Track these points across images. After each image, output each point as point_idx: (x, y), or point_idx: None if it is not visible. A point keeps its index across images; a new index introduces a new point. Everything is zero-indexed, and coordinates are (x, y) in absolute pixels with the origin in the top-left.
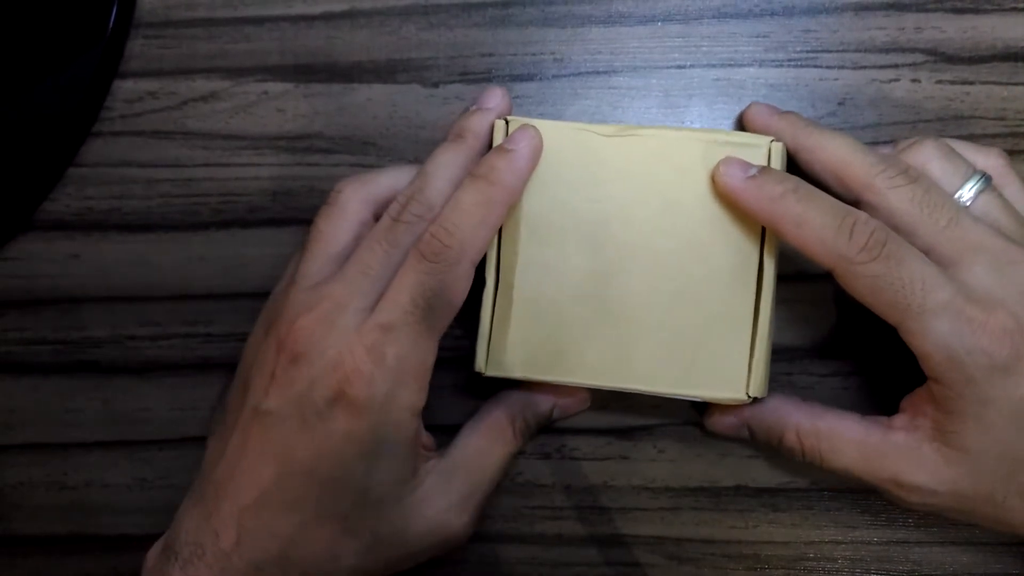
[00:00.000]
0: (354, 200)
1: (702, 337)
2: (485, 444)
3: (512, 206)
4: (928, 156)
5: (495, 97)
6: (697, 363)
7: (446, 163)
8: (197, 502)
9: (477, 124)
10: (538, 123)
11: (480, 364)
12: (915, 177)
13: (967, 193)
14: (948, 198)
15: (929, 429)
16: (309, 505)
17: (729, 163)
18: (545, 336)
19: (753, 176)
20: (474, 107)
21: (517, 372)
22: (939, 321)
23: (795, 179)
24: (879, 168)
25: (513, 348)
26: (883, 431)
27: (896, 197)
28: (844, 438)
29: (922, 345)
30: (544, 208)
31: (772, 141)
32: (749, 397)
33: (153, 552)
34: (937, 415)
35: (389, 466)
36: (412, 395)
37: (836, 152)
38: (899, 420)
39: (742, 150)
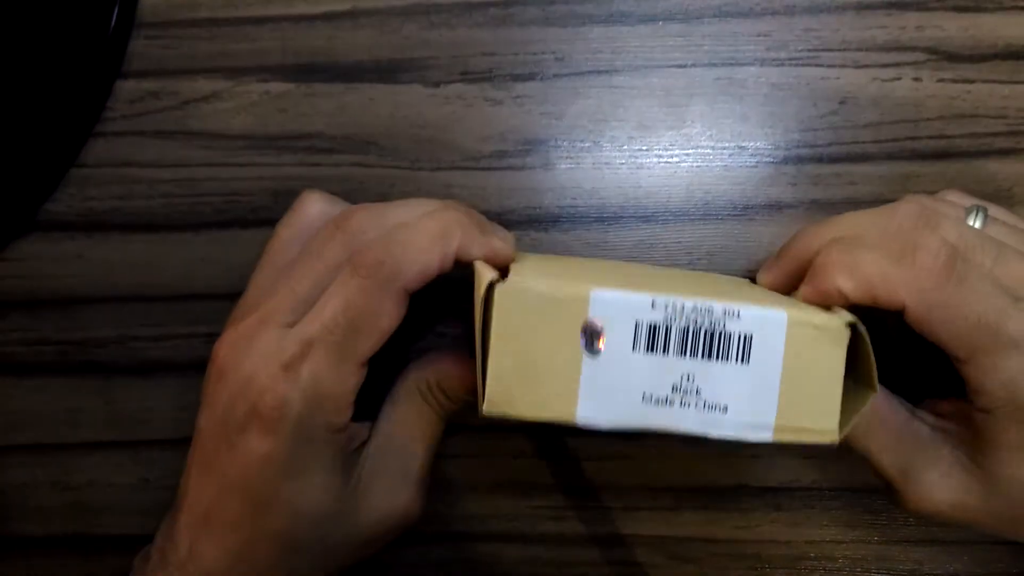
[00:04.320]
0: (316, 207)
1: (758, 292)
2: (410, 416)
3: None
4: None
5: (508, 241)
6: (766, 297)
7: (421, 205)
8: (170, 511)
9: (483, 219)
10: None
11: (490, 276)
12: (937, 220)
13: (974, 225)
14: (982, 236)
15: (956, 439)
16: (247, 523)
17: (762, 272)
18: (579, 272)
19: (777, 258)
20: (497, 228)
21: (550, 282)
22: (1009, 359)
23: (829, 240)
24: (895, 224)
25: (540, 272)
26: (908, 416)
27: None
28: (870, 409)
29: (985, 382)
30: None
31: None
32: (847, 326)
33: (141, 552)
34: (972, 437)
35: (319, 480)
36: (329, 415)
37: (848, 233)
38: (924, 415)
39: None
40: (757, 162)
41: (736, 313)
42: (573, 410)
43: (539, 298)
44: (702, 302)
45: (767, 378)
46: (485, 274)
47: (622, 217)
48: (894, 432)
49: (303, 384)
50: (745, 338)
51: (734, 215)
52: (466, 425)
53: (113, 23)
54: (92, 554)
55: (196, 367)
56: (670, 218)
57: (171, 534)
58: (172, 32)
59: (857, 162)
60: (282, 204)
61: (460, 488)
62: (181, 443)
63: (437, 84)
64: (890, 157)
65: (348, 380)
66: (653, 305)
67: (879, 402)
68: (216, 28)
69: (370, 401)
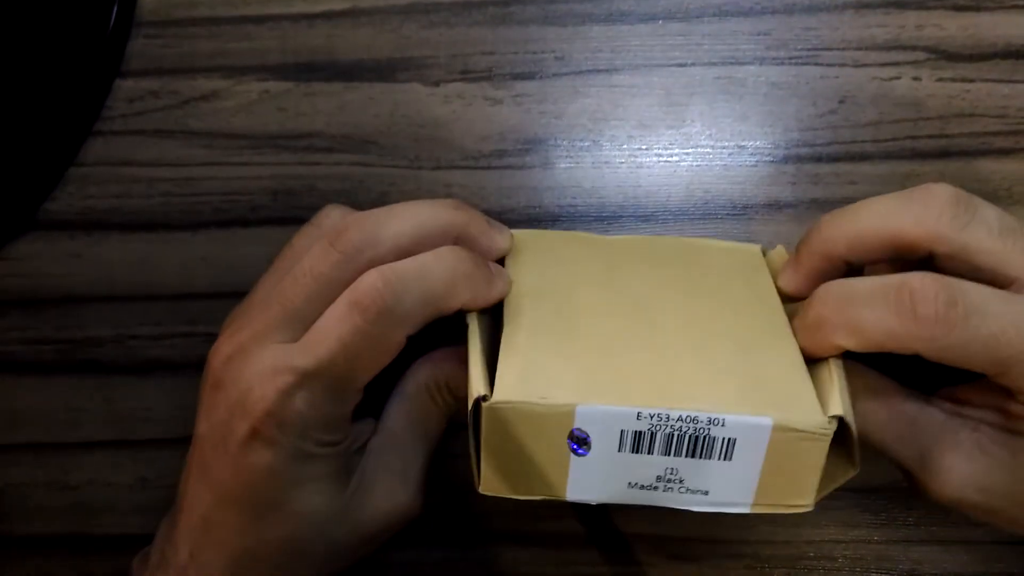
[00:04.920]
0: (334, 223)
1: (753, 361)
2: (414, 414)
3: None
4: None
5: (506, 240)
6: (757, 386)
7: (425, 214)
8: (171, 511)
9: (479, 223)
10: (526, 232)
11: (480, 388)
12: (974, 206)
13: None
14: (1019, 220)
15: (974, 423)
16: (249, 530)
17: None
18: (568, 364)
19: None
20: (500, 226)
21: (539, 394)
22: None
23: (820, 289)
24: (934, 214)
25: (529, 374)
26: (921, 404)
27: (972, 236)
28: (879, 399)
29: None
30: (546, 283)
31: (763, 247)
32: (829, 418)
33: (140, 553)
34: (1003, 420)
35: (320, 488)
36: (326, 434)
37: (878, 226)
38: (939, 403)
39: (732, 255)
40: (757, 161)
41: (721, 422)
42: (563, 493)
43: (526, 414)
44: (687, 413)
45: (748, 470)
46: (474, 384)
47: (622, 216)
48: (908, 420)
49: (299, 408)
50: (729, 441)
51: (733, 214)
52: (467, 425)
53: (112, 22)
54: (91, 553)
55: (195, 366)
56: (670, 217)
57: (171, 536)
58: (171, 31)
59: (857, 161)
60: (281, 203)
61: (461, 488)
62: (180, 442)
63: (437, 83)
64: (889, 156)
65: (343, 407)
66: (638, 416)
67: (890, 395)
68: (215, 27)
69: (373, 395)
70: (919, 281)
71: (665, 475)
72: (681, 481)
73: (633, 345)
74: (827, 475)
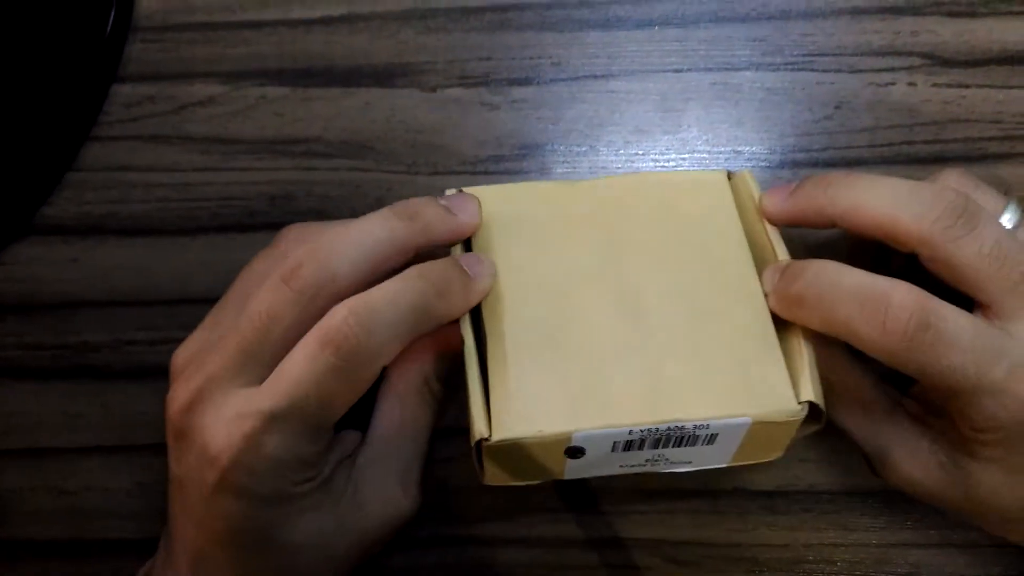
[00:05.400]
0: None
1: (732, 354)
2: (402, 417)
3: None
4: (961, 188)
5: (469, 210)
6: (737, 382)
7: (377, 238)
8: (165, 537)
9: (436, 220)
10: (492, 188)
11: (481, 430)
12: (975, 221)
13: (1006, 223)
14: (1018, 248)
15: (936, 432)
16: (243, 564)
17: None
18: (557, 383)
19: (774, 288)
20: (443, 201)
21: (536, 427)
22: (990, 400)
23: (812, 267)
24: (932, 216)
25: (522, 404)
26: (891, 406)
27: (958, 250)
28: (854, 391)
29: (967, 413)
30: (524, 262)
31: (730, 174)
32: (800, 404)
33: (141, 570)
34: (953, 438)
35: (305, 519)
36: (298, 473)
37: (877, 207)
38: (909, 404)
39: (698, 188)
40: (753, 166)
41: (705, 426)
42: (560, 476)
43: (525, 445)
44: (675, 424)
45: (727, 449)
46: (476, 425)
47: None
48: (876, 420)
49: (267, 454)
50: (711, 435)
51: None
52: (464, 428)
53: (110, 27)
54: (88, 558)
55: None
56: None
57: (171, 561)
58: (169, 36)
59: (852, 166)
60: (279, 208)
61: (457, 491)
62: None
63: (434, 89)
64: (885, 161)
65: (317, 444)
66: (630, 433)
67: (864, 389)
68: (213, 32)
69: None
70: (900, 296)
71: (653, 458)
72: (667, 460)
73: (619, 350)
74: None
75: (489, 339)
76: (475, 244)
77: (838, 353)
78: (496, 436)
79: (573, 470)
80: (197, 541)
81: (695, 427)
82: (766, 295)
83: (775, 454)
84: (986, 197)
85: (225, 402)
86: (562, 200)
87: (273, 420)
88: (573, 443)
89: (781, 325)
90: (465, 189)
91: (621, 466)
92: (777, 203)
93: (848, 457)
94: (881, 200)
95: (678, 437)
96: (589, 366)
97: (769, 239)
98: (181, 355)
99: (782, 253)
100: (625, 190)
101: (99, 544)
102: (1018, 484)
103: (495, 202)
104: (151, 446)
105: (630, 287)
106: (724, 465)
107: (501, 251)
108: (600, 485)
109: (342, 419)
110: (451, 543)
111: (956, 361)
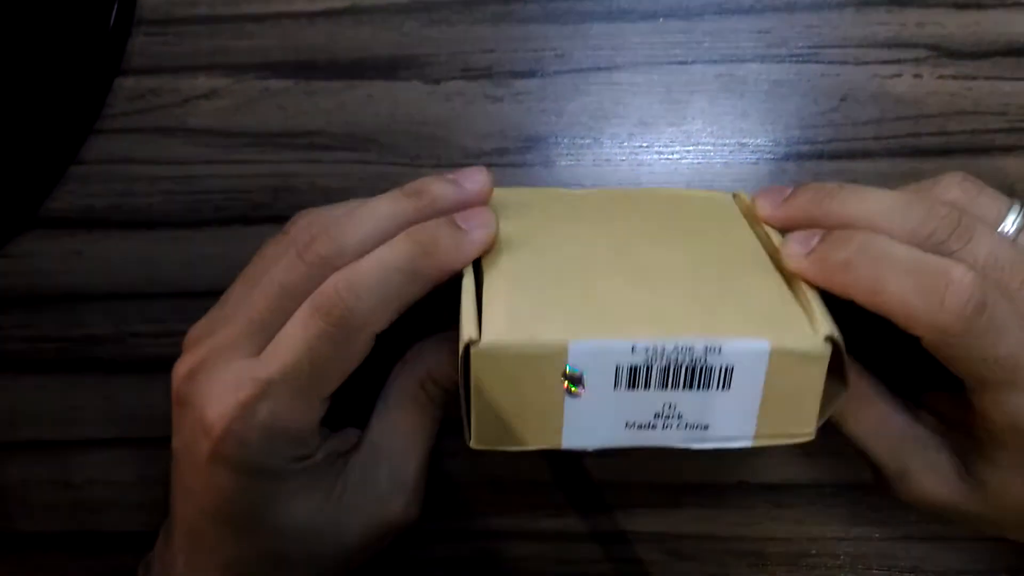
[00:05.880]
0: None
1: (738, 288)
2: (402, 420)
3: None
4: (961, 193)
5: (477, 179)
6: (748, 310)
7: (385, 215)
8: (166, 522)
9: (441, 192)
10: (501, 189)
11: (471, 332)
12: (969, 235)
13: (1010, 227)
14: (1015, 256)
15: (954, 443)
16: (231, 544)
17: (788, 242)
18: (555, 301)
19: (813, 250)
20: (451, 175)
21: (529, 333)
22: (1018, 396)
23: (861, 236)
24: (925, 232)
25: (517, 314)
26: (909, 419)
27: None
28: (871, 406)
29: (990, 412)
30: (530, 228)
31: (735, 194)
32: (827, 341)
33: (143, 561)
34: (971, 445)
35: (294, 502)
36: (292, 448)
37: (870, 223)
38: (925, 416)
39: (707, 202)
40: (758, 159)
41: (718, 349)
42: (559, 439)
43: (517, 355)
44: (683, 341)
45: (748, 399)
46: (465, 328)
47: None
48: (895, 434)
49: (260, 422)
50: (726, 369)
51: None
52: (459, 391)
53: (113, 20)
54: (92, 551)
55: None
56: None
57: (169, 545)
58: (172, 29)
59: (858, 159)
60: (282, 201)
61: (461, 486)
62: None
63: (437, 81)
64: (891, 154)
65: (310, 415)
66: (633, 350)
67: (880, 403)
68: (216, 25)
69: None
70: (960, 273)
71: (663, 411)
72: (680, 416)
73: (619, 280)
74: (824, 399)
75: (486, 275)
76: None
77: (856, 366)
78: (486, 338)
79: (573, 428)
80: (190, 515)
81: (706, 350)
82: (781, 274)
83: (807, 426)
84: (990, 201)
85: (227, 369)
86: (568, 198)
87: (268, 386)
88: (570, 359)
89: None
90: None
91: (628, 424)
92: (770, 208)
93: (851, 451)
94: (875, 214)
95: (689, 370)
96: (590, 292)
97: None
98: (194, 331)
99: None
100: (632, 196)
101: (103, 536)
102: None
103: (504, 195)
104: (155, 439)
105: (635, 247)
106: (749, 438)
107: (502, 224)
108: (604, 479)
109: (343, 418)
110: (458, 536)
111: (1003, 351)
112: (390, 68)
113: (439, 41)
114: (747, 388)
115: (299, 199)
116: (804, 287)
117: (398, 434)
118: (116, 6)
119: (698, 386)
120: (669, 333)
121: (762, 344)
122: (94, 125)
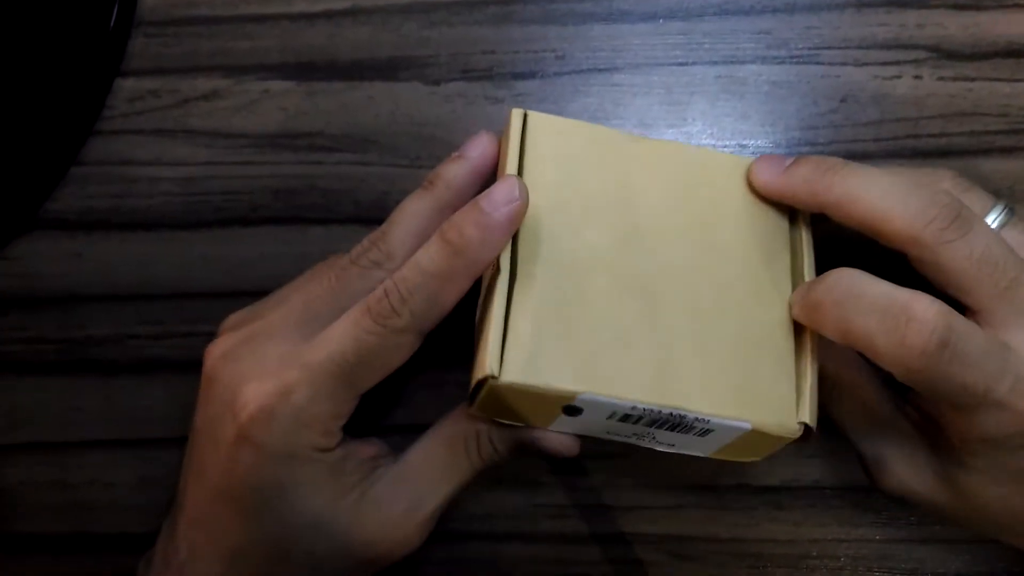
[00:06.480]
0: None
1: (746, 356)
2: (442, 457)
3: (499, 254)
4: (952, 187)
5: (479, 145)
6: (744, 385)
7: (412, 212)
8: (171, 511)
9: (451, 173)
10: (558, 120)
11: (492, 367)
12: (968, 225)
13: (991, 224)
14: (1008, 254)
15: (933, 440)
16: (238, 529)
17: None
18: (573, 341)
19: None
20: (456, 153)
21: (545, 379)
22: (988, 415)
23: (831, 277)
24: (927, 217)
25: (536, 351)
26: (892, 411)
27: (950, 254)
28: (859, 393)
29: (961, 427)
30: (567, 200)
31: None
32: (799, 425)
33: (144, 557)
34: (946, 447)
35: (306, 494)
36: (316, 438)
37: (873, 201)
38: (910, 411)
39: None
40: None
41: (706, 420)
42: (548, 426)
43: (528, 392)
44: (678, 410)
45: (715, 443)
46: (488, 359)
47: None
48: (877, 425)
49: (294, 406)
50: (706, 429)
51: None
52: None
53: (113, 21)
54: (92, 553)
55: (196, 366)
56: None
57: (173, 534)
58: (172, 30)
59: (858, 160)
60: (282, 202)
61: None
62: (181, 442)
63: (437, 82)
64: (891, 155)
65: (341, 409)
66: (633, 409)
67: (867, 392)
68: (216, 26)
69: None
70: (922, 309)
71: (641, 434)
72: (653, 438)
73: (637, 326)
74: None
75: (518, 282)
76: (525, 165)
77: (849, 350)
78: (504, 378)
79: (560, 425)
80: (201, 499)
81: (695, 419)
82: (792, 330)
83: (754, 458)
84: (976, 198)
85: (274, 350)
86: (628, 153)
87: (308, 370)
88: (576, 403)
89: (797, 335)
90: (529, 112)
91: (608, 433)
92: (769, 175)
93: (852, 454)
94: (877, 194)
95: (675, 423)
96: (607, 337)
97: (803, 254)
98: (234, 317)
99: (809, 272)
100: (693, 159)
101: (102, 538)
102: (1008, 494)
103: (550, 132)
104: (155, 440)
105: (661, 286)
106: (703, 455)
107: (540, 197)
108: (604, 481)
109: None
110: (456, 539)
111: (969, 380)
112: (390, 69)
113: (439, 42)
114: (718, 439)
115: (299, 200)
116: (808, 359)
117: (436, 465)
118: (116, 7)
119: (678, 431)
120: (668, 402)
121: (744, 424)
122: (94, 126)
